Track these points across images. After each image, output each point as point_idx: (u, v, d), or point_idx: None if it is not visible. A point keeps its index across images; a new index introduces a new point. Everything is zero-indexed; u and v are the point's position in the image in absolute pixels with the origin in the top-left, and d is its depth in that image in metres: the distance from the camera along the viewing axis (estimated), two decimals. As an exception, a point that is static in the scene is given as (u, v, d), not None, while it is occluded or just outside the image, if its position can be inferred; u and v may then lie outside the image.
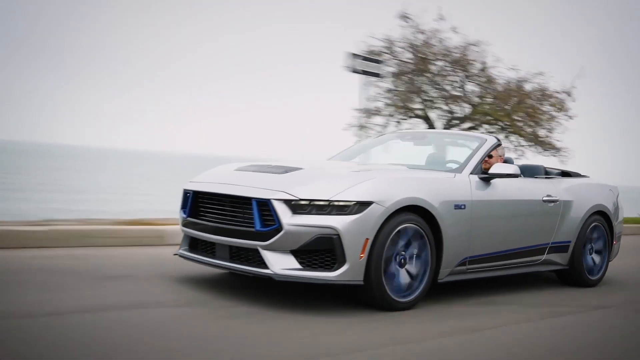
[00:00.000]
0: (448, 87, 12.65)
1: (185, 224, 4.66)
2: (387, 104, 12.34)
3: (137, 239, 6.31)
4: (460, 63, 12.31)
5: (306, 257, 4.03)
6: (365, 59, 10.87)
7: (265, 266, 4.05)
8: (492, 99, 12.58)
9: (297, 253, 4.03)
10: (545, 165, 6.13)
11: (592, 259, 5.95)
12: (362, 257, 4.01)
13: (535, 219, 5.38)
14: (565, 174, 6.35)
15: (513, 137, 12.80)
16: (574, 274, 5.80)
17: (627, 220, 10.64)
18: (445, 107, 12.65)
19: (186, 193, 4.71)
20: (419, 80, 12.37)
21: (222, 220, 4.33)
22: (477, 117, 12.55)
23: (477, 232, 4.77)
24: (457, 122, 12.59)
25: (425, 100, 12.46)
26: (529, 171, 5.62)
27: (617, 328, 4.48)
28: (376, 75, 10.94)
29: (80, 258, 5.32)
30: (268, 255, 4.04)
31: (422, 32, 12.29)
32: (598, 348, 3.87)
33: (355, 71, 10.47)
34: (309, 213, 4.02)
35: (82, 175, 39.89)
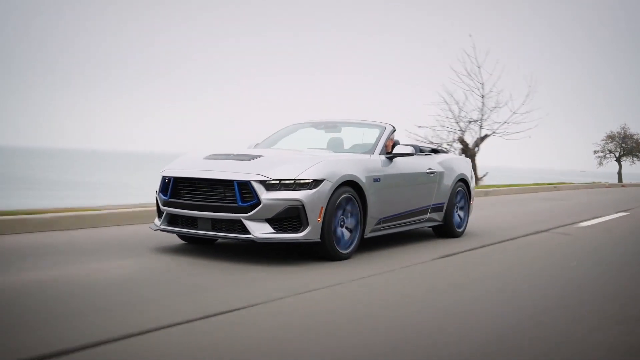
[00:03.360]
0: None
1: (166, 204, 5.69)
2: None
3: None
4: None
5: (278, 223, 5.30)
6: None
7: (247, 232, 5.27)
8: None
9: (271, 221, 5.29)
10: (419, 144, 7.87)
11: (458, 215, 7.82)
12: (319, 220, 5.37)
13: (422, 187, 7.07)
14: (434, 150, 8.14)
15: None
16: (447, 228, 7.61)
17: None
18: None
19: (165, 178, 5.74)
20: None
21: (204, 199, 5.45)
22: None
23: (387, 198, 6.33)
24: None
25: None
26: (415, 150, 7.29)
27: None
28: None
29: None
30: (249, 224, 5.26)
31: None
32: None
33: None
34: (279, 190, 5.29)
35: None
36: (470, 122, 20.97)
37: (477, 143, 20.90)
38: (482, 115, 20.95)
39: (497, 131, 20.97)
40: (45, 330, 3.21)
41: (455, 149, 20.63)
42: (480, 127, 21.04)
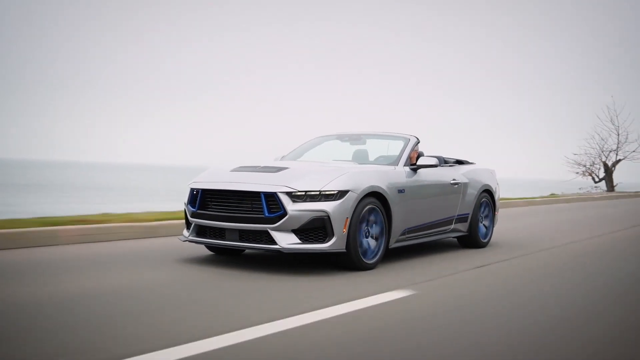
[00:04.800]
0: None
1: (195, 215, 5.83)
2: None
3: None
4: None
5: (304, 234, 5.40)
6: None
7: (274, 243, 5.37)
8: None
9: (297, 231, 5.38)
10: (444, 156, 7.92)
11: (483, 225, 7.84)
12: (344, 231, 5.45)
13: (446, 198, 7.12)
14: (459, 161, 8.18)
15: None
16: (472, 239, 7.63)
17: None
18: None
19: (193, 190, 5.88)
20: None
21: (231, 211, 5.57)
22: None
23: (412, 209, 6.39)
24: None
25: None
26: (439, 161, 7.34)
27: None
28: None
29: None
30: (276, 235, 5.37)
31: None
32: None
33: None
34: (305, 201, 5.39)
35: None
36: (610, 151, 33.30)
37: (614, 164, 32.98)
38: (618, 146, 33.06)
39: (628, 157, 32.99)
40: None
41: (600, 168, 33.19)
42: (616, 154, 33.19)
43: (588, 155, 33.55)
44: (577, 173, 33.62)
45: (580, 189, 30.55)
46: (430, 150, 7.47)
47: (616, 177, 32.90)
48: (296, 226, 5.36)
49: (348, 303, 4.34)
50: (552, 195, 24.90)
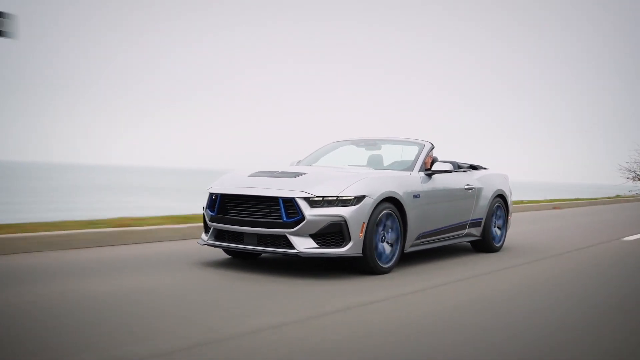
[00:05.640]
0: None
1: (213, 220, 5.93)
2: None
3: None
4: None
5: (321, 238, 5.49)
6: None
7: (292, 247, 5.47)
8: None
9: (314, 236, 5.47)
10: (457, 161, 7.99)
11: (496, 230, 7.90)
12: (361, 236, 5.54)
13: (461, 203, 7.20)
14: (472, 167, 8.25)
15: None
16: (485, 243, 7.70)
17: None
18: None
19: (212, 195, 5.99)
20: None
21: (250, 215, 5.67)
22: None
23: (427, 214, 6.47)
24: None
25: None
26: (454, 167, 7.41)
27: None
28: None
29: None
30: (294, 239, 5.46)
31: None
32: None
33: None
34: (322, 206, 5.49)
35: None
36: None
37: None
38: None
39: None
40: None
41: None
42: None
43: (638, 163, 39.52)
44: (628, 178, 39.21)
45: (629, 191, 36.33)
46: (443, 155, 7.55)
47: None
48: (314, 231, 5.45)
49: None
50: (618, 196, 30.88)
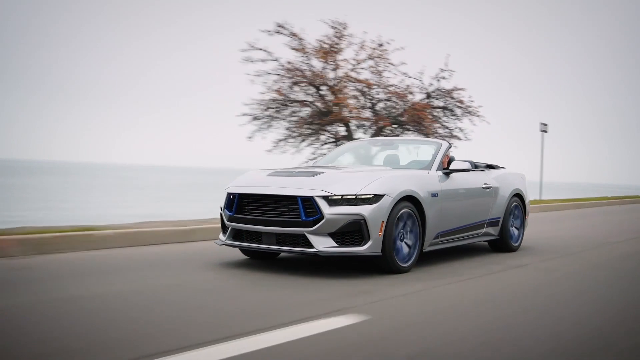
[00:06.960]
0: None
1: (231, 220, 5.92)
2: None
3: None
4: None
5: (340, 237, 5.46)
6: None
7: (311, 246, 5.45)
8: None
9: (333, 235, 5.45)
10: (474, 160, 7.94)
11: (515, 229, 7.85)
12: (380, 234, 5.51)
13: (478, 202, 7.15)
14: (489, 166, 8.20)
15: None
16: (503, 242, 7.65)
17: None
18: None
19: (230, 195, 5.98)
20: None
21: (268, 215, 5.65)
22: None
23: (445, 213, 6.43)
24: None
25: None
26: (471, 166, 7.36)
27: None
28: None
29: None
30: (313, 238, 5.44)
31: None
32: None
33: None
34: (341, 205, 5.46)
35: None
36: None
37: None
38: None
39: None
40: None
41: None
42: None
43: None
44: None
45: None
46: (459, 155, 7.51)
47: None
48: (332, 230, 5.43)
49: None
50: None
